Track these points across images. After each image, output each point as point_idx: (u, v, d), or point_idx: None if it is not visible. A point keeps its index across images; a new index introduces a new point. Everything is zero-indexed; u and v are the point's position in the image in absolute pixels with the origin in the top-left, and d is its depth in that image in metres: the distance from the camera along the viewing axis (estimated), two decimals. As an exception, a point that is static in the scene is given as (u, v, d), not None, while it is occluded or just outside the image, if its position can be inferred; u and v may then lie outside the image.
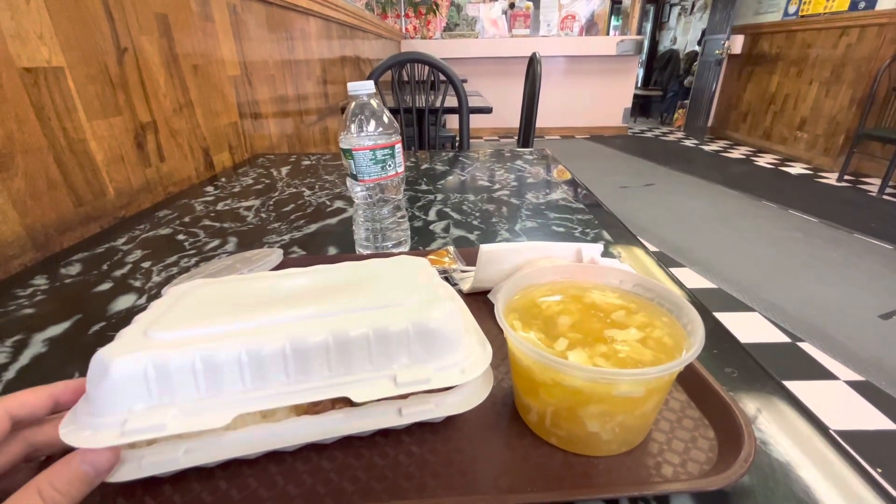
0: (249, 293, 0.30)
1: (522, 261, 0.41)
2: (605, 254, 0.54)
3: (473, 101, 1.93)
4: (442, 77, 1.47)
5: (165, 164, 0.83)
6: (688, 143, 4.73)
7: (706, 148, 4.47)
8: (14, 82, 0.54)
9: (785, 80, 4.06)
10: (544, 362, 0.24)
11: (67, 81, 0.61)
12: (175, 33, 0.86)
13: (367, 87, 0.45)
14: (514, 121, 3.47)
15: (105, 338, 0.40)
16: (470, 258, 0.50)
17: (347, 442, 0.28)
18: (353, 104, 0.46)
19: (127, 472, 0.23)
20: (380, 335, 0.26)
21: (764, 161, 3.93)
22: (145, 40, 0.78)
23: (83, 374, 0.33)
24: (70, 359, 0.37)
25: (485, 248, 0.40)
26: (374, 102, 0.47)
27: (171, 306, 0.28)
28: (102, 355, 0.23)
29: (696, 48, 5.38)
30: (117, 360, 0.23)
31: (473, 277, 0.42)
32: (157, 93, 0.81)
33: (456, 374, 0.26)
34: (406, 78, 1.64)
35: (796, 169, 3.65)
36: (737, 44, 4.52)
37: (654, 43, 6.92)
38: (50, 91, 0.59)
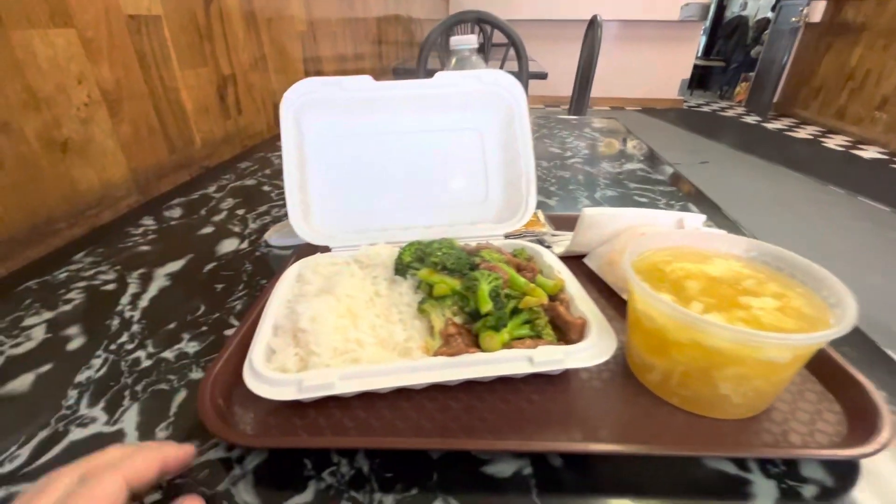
0: None
1: (623, 226, 0.40)
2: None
3: (530, 67, 1.86)
4: (495, 40, 1.42)
5: (242, 117, 0.86)
6: (748, 119, 4.42)
7: (769, 126, 4.16)
8: (121, 29, 0.56)
9: (869, 53, 3.68)
10: (686, 320, 0.24)
11: (164, 30, 0.63)
12: (253, -15, 0.86)
13: (470, 41, 0.45)
14: (563, 89, 3.31)
15: (218, 277, 0.43)
16: (557, 223, 0.49)
17: (469, 386, 0.29)
18: (454, 60, 0.46)
19: (288, 392, 0.25)
20: None
21: (833, 143, 3.63)
22: (228, -9, 0.78)
23: (207, 309, 0.36)
24: (192, 293, 0.40)
25: (588, 212, 0.40)
26: (474, 59, 0.46)
27: None
28: None
29: (769, 15, 4.92)
30: None
31: (571, 240, 0.42)
32: (237, 46, 0.82)
33: None
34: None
35: (870, 153, 3.36)
36: (817, 11, 4.10)
37: (720, 8, 6.38)
38: (150, 39, 0.61)
